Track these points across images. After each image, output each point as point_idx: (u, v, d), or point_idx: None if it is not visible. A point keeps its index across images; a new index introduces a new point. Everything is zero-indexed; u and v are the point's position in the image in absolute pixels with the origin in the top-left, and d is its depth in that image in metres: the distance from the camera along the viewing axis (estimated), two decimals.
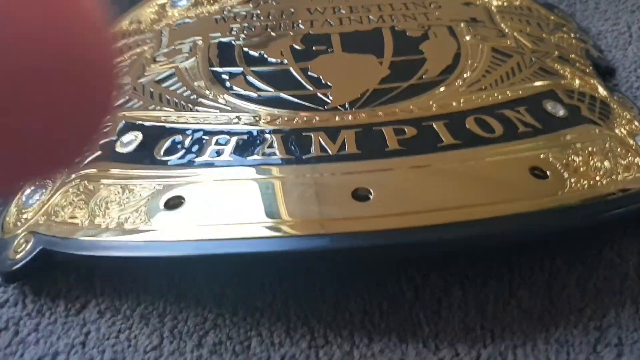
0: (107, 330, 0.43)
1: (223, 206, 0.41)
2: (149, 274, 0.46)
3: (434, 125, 0.45)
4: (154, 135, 0.47)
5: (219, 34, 0.55)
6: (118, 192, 0.44)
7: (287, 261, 0.41)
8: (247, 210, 0.41)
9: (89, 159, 0.48)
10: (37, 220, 0.45)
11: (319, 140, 0.44)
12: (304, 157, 0.43)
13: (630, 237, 0.47)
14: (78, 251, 0.42)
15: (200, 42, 0.55)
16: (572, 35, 0.62)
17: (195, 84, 0.50)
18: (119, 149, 0.47)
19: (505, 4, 0.61)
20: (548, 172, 0.43)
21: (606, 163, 0.45)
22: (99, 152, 0.48)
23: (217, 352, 0.41)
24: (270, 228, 0.39)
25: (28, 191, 0.48)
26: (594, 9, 0.72)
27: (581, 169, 0.44)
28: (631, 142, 0.49)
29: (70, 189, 0.46)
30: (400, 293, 0.44)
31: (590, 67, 0.58)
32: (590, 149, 0.46)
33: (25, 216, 0.46)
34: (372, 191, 0.40)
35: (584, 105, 0.51)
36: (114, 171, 0.45)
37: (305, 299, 0.44)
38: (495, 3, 0.61)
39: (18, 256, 0.44)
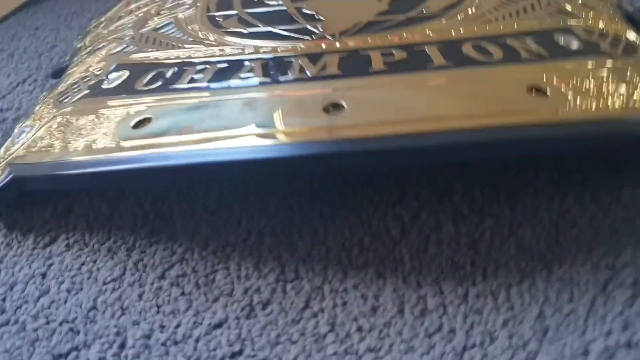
0: (71, 262, 0.41)
1: (189, 122, 0.39)
2: (125, 206, 0.44)
3: (426, 49, 0.41)
4: (139, 71, 0.46)
5: None
6: (92, 120, 0.42)
7: (250, 171, 0.38)
8: (214, 125, 0.38)
9: (76, 98, 0.47)
10: (18, 153, 0.44)
11: (299, 64, 0.41)
12: (281, 78, 0.40)
13: None
14: (44, 172, 0.40)
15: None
16: None
17: (189, 27, 0.49)
18: (105, 85, 0.46)
19: None
20: (549, 91, 0.38)
21: (623, 89, 0.40)
22: (87, 91, 0.47)
23: (178, 285, 0.38)
24: (231, 138, 0.36)
25: (17, 133, 0.48)
26: None
27: (590, 91, 0.39)
28: None
29: (53, 124, 0.45)
30: (385, 230, 0.40)
31: (620, 16, 0.52)
32: (604, 75, 0.41)
33: (9, 152, 0.46)
34: (345, 104, 0.36)
35: (604, 42, 0.45)
36: (94, 103, 0.44)
37: (281, 235, 0.41)
38: None
39: None
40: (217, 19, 0.49)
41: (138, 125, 0.40)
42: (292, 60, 0.41)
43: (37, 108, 0.51)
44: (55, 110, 0.47)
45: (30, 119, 0.49)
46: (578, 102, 0.38)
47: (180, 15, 0.52)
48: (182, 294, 0.38)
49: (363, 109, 0.36)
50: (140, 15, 0.55)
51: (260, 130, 0.36)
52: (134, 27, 0.53)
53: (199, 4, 0.52)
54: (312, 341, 0.34)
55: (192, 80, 0.42)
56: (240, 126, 0.37)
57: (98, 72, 0.49)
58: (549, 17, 0.48)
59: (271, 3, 0.50)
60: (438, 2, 0.47)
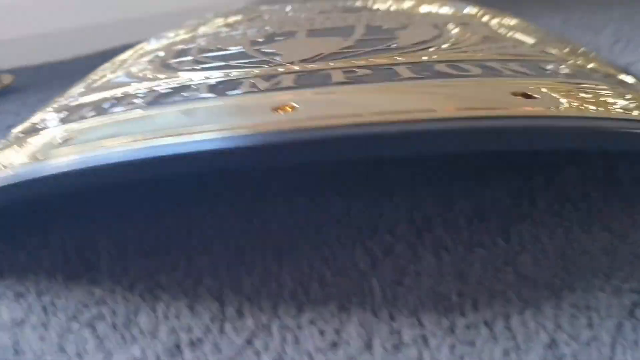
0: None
1: (119, 133, 0.33)
2: (47, 251, 0.37)
3: (394, 68, 0.36)
4: (76, 110, 0.41)
5: (182, 46, 0.51)
6: (12, 151, 0.37)
7: (177, 169, 0.31)
8: (143, 130, 0.32)
9: (4, 141, 0.42)
10: None
11: (250, 82, 0.36)
12: (228, 93, 0.35)
13: None
14: None
15: (161, 54, 0.50)
16: (588, 53, 0.54)
17: (140, 74, 0.45)
18: (40, 125, 0.41)
19: (506, 23, 0.55)
20: (537, 95, 0.32)
21: (623, 102, 0.35)
22: (21, 135, 0.42)
23: (91, 326, 0.31)
24: (175, 136, 0.30)
25: None
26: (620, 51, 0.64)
27: (587, 99, 0.34)
28: None
29: None
30: (352, 265, 0.33)
31: (609, 65, 0.49)
32: (601, 92, 0.36)
33: None
34: (297, 105, 0.31)
35: (597, 75, 0.41)
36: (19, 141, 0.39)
37: (225, 275, 0.33)
38: (495, 21, 0.54)
39: None
40: (171, 65, 0.45)
41: (61, 144, 0.34)
42: (243, 80, 0.37)
43: None
44: None
45: None
46: (573, 104, 0.32)
47: (133, 69, 0.48)
48: (94, 335, 0.30)
49: (316, 108, 0.31)
50: (95, 77, 0.52)
51: (197, 130, 0.30)
52: (87, 85, 0.49)
53: (155, 61, 0.49)
54: None
55: (130, 104, 0.37)
56: (175, 131, 0.31)
57: (37, 121, 0.44)
58: (533, 53, 0.44)
59: (229, 49, 0.46)
60: (408, 39, 0.43)
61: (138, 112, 0.35)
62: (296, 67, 0.38)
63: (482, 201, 0.36)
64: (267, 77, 0.37)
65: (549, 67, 0.40)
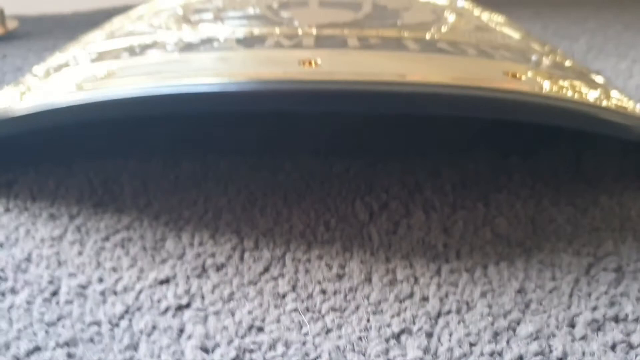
0: (7, 222, 0.37)
1: (158, 69, 0.37)
2: (72, 181, 0.40)
3: (402, 41, 0.41)
4: (108, 55, 0.44)
5: (199, 5, 0.54)
6: (54, 80, 0.40)
7: (219, 106, 0.35)
8: (185, 72, 0.36)
9: (40, 75, 0.45)
10: None
11: (275, 39, 0.40)
12: (255, 46, 0.39)
13: (630, 192, 0.40)
14: None
15: (180, 11, 0.54)
16: (567, 56, 0.60)
17: (163, 25, 0.48)
18: (72, 63, 0.44)
19: (495, 18, 0.60)
20: (524, 77, 0.38)
21: (595, 93, 0.40)
22: (53, 71, 0.45)
23: (123, 247, 0.35)
24: (191, 79, 0.35)
25: None
26: (595, 57, 0.70)
27: (565, 87, 0.39)
28: (624, 98, 0.44)
29: (15, 90, 0.42)
30: (353, 215, 0.37)
31: (585, 69, 0.54)
32: (578, 83, 0.41)
33: None
34: (319, 61, 0.36)
35: (573, 72, 0.47)
36: (57, 75, 0.42)
37: (241, 214, 0.38)
38: (485, 16, 0.59)
39: None
40: (191, 20, 0.48)
41: (109, 76, 0.38)
42: (268, 37, 0.41)
43: None
44: (15, 87, 0.45)
45: None
46: (555, 88, 0.37)
47: (155, 22, 0.51)
48: (127, 254, 0.34)
49: (338, 65, 0.36)
50: (114, 27, 0.55)
51: (236, 73, 0.35)
52: (108, 34, 0.52)
53: (174, 17, 0.52)
54: (270, 299, 0.31)
55: (162, 49, 0.41)
56: (213, 70, 0.35)
57: (65, 61, 0.47)
58: (519, 46, 0.49)
59: (248, 10, 0.50)
60: (411, 19, 0.48)
61: (174, 56, 0.39)
62: (314, 31, 0.42)
63: (467, 172, 0.41)
64: (290, 37, 0.41)
65: (533, 57, 0.45)
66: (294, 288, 0.31)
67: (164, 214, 0.37)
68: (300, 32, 0.42)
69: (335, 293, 0.31)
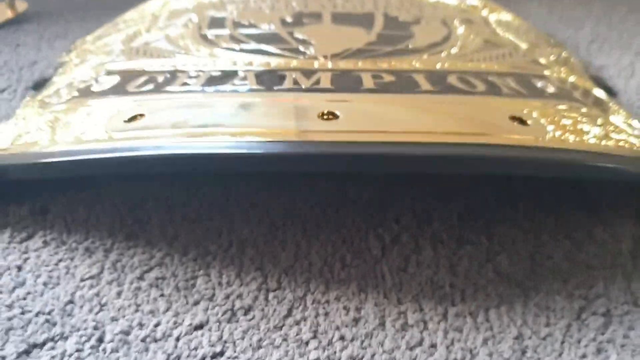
0: (48, 258, 0.40)
1: (182, 119, 0.39)
2: (102, 209, 0.43)
3: (414, 76, 0.43)
4: (130, 77, 0.46)
5: (213, 11, 0.55)
6: (82, 116, 0.42)
7: (238, 166, 0.38)
8: (207, 122, 0.39)
9: (64, 100, 0.47)
10: (2, 146, 0.43)
11: (293, 77, 0.42)
12: (275, 87, 0.41)
13: (624, 220, 0.43)
14: (28, 161, 0.39)
15: (194, 18, 0.55)
16: (572, 55, 0.61)
17: (181, 42, 0.50)
18: (95, 88, 0.46)
19: (500, 18, 0.61)
20: (529, 122, 0.40)
21: (596, 130, 0.42)
22: (76, 94, 0.47)
23: (158, 286, 0.38)
24: (224, 135, 0.37)
25: (1, 128, 0.47)
26: (598, 49, 0.72)
27: (568, 127, 0.41)
28: (627, 128, 0.46)
29: (40, 121, 0.45)
30: (367, 249, 0.41)
31: (589, 78, 0.56)
32: (579, 117, 0.43)
33: None
34: (339, 114, 0.38)
35: (576, 92, 0.49)
36: (86, 103, 0.44)
37: (264, 247, 0.41)
38: (493, 18, 0.60)
39: None
40: (208, 37, 0.50)
41: (131, 120, 0.40)
42: (286, 73, 0.43)
43: (18, 111, 0.51)
44: (41, 110, 0.47)
45: (13, 119, 0.49)
46: (557, 134, 0.40)
47: (171, 33, 0.53)
48: (162, 295, 0.37)
49: (356, 119, 0.38)
50: (130, 32, 0.56)
51: (254, 129, 0.37)
52: (124, 41, 0.54)
53: (190, 25, 0.53)
54: (295, 346, 0.34)
55: (185, 84, 0.43)
56: (234, 125, 0.38)
57: (86, 79, 0.49)
58: (526, 64, 0.51)
59: (262, 26, 0.51)
60: (423, 39, 0.50)
61: (198, 98, 0.41)
62: (330, 64, 0.44)
63: (472, 202, 0.44)
64: (307, 73, 0.43)
65: (539, 84, 0.47)
66: (315, 334, 0.35)
67: (191, 248, 0.40)
68: (316, 65, 0.44)
69: (352, 340, 0.35)
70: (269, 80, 0.42)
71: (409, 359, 0.34)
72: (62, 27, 0.76)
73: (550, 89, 0.47)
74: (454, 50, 0.49)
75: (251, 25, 0.51)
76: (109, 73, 0.48)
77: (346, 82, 0.42)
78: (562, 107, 0.44)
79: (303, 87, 0.41)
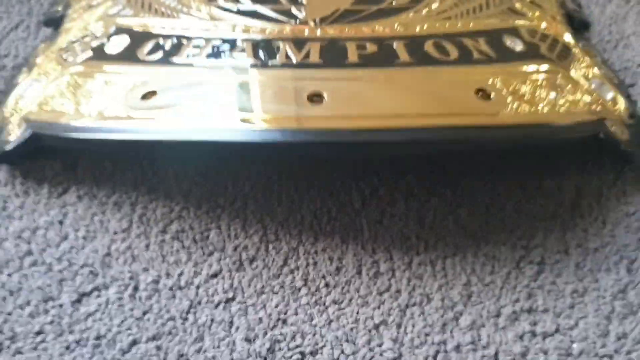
0: (84, 213, 0.48)
1: (189, 99, 0.46)
2: (125, 164, 0.51)
3: (394, 45, 0.49)
4: (139, 39, 0.52)
5: None
6: (101, 85, 0.48)
7: (239, 150, 0.46)
8: (211, 104, 0.45)
9: (80, 59, 0.52)
10: (31, 109, 0.50)
11: (286, 49, 0.48)
12: (270, 62, 0.47)
13: (570, 171, 0.51)
14: (63, 133, 0.46)
15: None
16: None
17: None
18: (108, 49, 0.52)
19: None
20: (492, 94, 0.46)
21: (552, 94, 0.49)
22: (90, 53, 0.52)
23: (178, 239, 0.46)
24: (226, 120, 0.44)
25: (25, 85, 0.53)
26: None
27: (525, 96, 0.47)
28: (583, 82, 0.52)
29: (62, 84, 0.50)
30: (349, 203, 0.49)
31: (562, 16, 0.60)
32: (539, 80, 0.49)
33: (20, 106, 0.51)
34: (325, 95, 0.44)
35: (544, 45, 0.54)
36: (101, 67, 0.50)
37: (263, 202, 0.49)
38: None
39: (11, 139, 0.49)
40: None
41: (145, 97, 0.46)
42: (280, 44, 0.48)
43: (38, 60, 0.56)
44: (60, 67, 0.53)
45: (35, 72, 0.54)
46: (514, 106, 0.46)
47: None
48: (183, 247, 0.46)
49: (339, 102, 0.44)
50: None
51: (251, 115, 0.44)
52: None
53: None
54: (290, 293, 0.44)
55: (189, 56, 0.49)
56: (235, 108, 0.44)
57: (98, 34, 0.54)
58: (500, 15, 0.55)
59: None
60: None
61: (204, 75, 0.47)
62: (319, 32, 0.50)
63: (442, 155, 0.51)
64: (298, 43, 0.49)
65: (509, 42, 0.52)
66: (305, 282, 0.44)
67: (203, 202, 0.49)
68: (306, 32, 0.49)
69: (335, 286, 0.44)
70: (264, 52, 0.48)
71: (379, 303, 0.43)
72: None
73: (519, 47, 0.52)
74: (434, 5, 0.54)
75: None
76: (119, 31, 0.53)
77: (333, 55, 0.48)
78: (525, 68, 0.50)
79: (294, 62, 0.47)
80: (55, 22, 0.62)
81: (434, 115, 0.45)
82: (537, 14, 0.58)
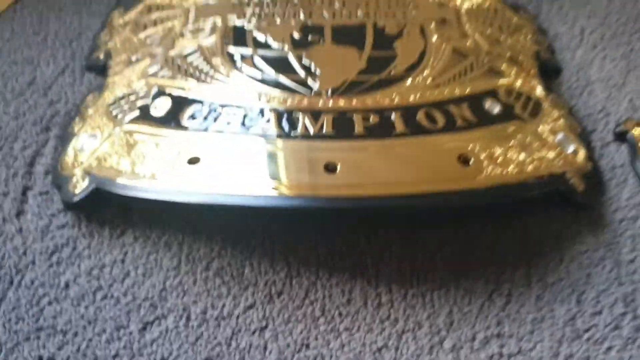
0: (140, 252, 0.59)
1: (229, 166, 0.56)
2: (173, 212, 0.61)
3: (392, 116, 0.59)
4: (180, 104, 0.62)
5: (234, 16, 0.68)
6: (152, 148, 0.59)
7: (267, 213, 0.57)
8: (245, 171, 0.56)
9: (129, 117, 0.62)
10: (91, 163, 0.60)
11: (304, 121, 0.58)
12: (292, 134, 0.58)
13: (539, 213, 0.62)
14: (122, 191, 0.57)
15: (219, 23, 0.68)
16: (529, 37, 0.75)
17: (213, 61, 0.64)
18: (153, 111, 0.62)
19: (474, 6, 0.74)
20: (471, 161, 0.57)
21: (521, 155, 0.60)
22: (137, 113, 0.62)
23: (219, 275, 0.58)
24: (259, 186, 0.55)
25: (82, 138, 0.63)
26: (558, 11, 0.85)
27: (498, 160, 0.59)
28: (550, 138, 0.63)
29: (116, 141, 0.61)
30: (356, 245, 0.60)
31: (536, 69, 0.71)
32: (510, 142, 0.60)
33: (80, 159, 0.61)
34: (338, 166, 0.55)
35: (518, 104, 0.65)
36: (150, 129, 0.60)
37: (287, 243, 0.60)
38: (465, 5, 0.73)
39: (77, 191, 0.59)
40: (234, 57, 0.64)
41: (191, 162, 0.57)
42: (299, 115, 0.59)
43: (89, 111, 0.66)
44: (112, 124, 0.63)
45: (88, 125, 0.64)
46: (489, 170, 0.58)
47: (202, 44, 0.66)
48: (223, 282, 0.57)
49: (349, 172, 0.55)
50: (165, 31, 0.69)
51: (276, 182, 0.55)
52: (163, 45, 0.68)
53: (216, 33, 0.67)
54: (310, 321, 0.55)
55: (225, 124, 0.59)
56: (263, 175, 0.55)
57: (142, 94, 0.64)
58: (482, 77, 0.66)
59: (276, 45, 0.65)
60: (403, 61, 0.65)
61: (240, 141, 0.58)
62: (330, 103, 0.60)
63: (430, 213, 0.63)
64: (315, 115, 0.59)
65: (488, 104, 0.64)
66: (323, 311, 0.56)
67: (238, 242, 0.60)
68: (320, 104, 0.60)
69: (347, 315, 0.56)
70: (287, 123, 0.58)
71: (381, 329, 0.55)
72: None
73: (496, 109, 0.63)
74: (426, 73, 0.64)
75: (267, 46, 0.65)
76: (160, 93, 0.63)
77: (343, 126, 0.58)
78: (500, 132, 0.61)
79: (311, 133, 0.58)
80: (97, 68, 0.72)
81: (424, 182, 0.56)
82: (514, 70, 0.69)
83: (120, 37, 0.73)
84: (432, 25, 0.69)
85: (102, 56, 0.73)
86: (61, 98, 0.71)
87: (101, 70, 0.72)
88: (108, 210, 0.61)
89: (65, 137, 0.65)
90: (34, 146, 0.67)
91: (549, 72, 0.75)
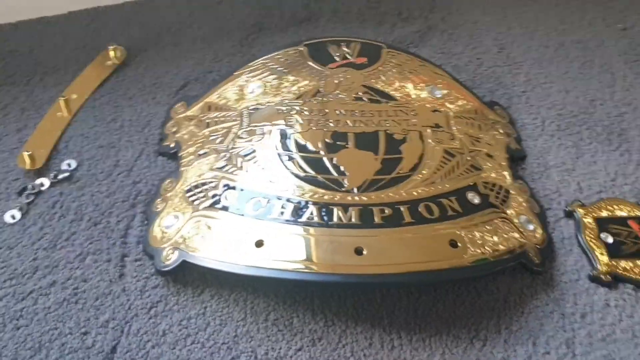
0: (216, 307, 0.80)
1: (286, 248, 0.78)
2: (239, 277, 0.83)
3: (401, 208, 0.81)
4: (244, 196, 0.83)
5: (282, 122, 0.90)
6: (226, 232, 0.80)
7: (311, 286, 0.79)
8: (295, 252, 0.77)
9: (205, 205, 0.83)
10: (177, 240, 0.81)
11: (338, 213, 0.80)
12: (329, 223, 0.79)
13: (506, 278, 0.85)
14: (203, 264, 0.78)
15: (269, 128, 0.89)
16: (501, 131, 0.98)
17: (267, 161, 0.86)
18: (223, 201, 0.83)
19: (459, 108, 0.96)
20: (459, 244, 0.80)
21: (495, 238, 0.82)
22: (212, 201, 0.84)
23: (275, 324, 0.79)
24: (306, 264, 0.76)
25: (167, 218, 0.84)
26: (525, 102, 1.08)
27: (478, 242, 0.81)
28: (515, 220, 0.86)
29: (195, 223, 0.82)
30: (375, 301, 0.82)
31: (506, 160, 0.94)
32: (486, 227, 0.83)
33: (167, 235, 0.82)
34: (364, 250, 0.77)
35: (492, 194, 0.87)
36: (221, 215, 0.81)
37: (324, 298, 0.82)
38: (453, 109, 0.96)
39: (168, 262, 0.80)
40: (283, 160, 0.86)
41: (257, 245, 0.78)
42: (334, 208, 0.80)
43: (169, 195, 0.87)
44: (190, 208, 0.84)
45: (170, 207, 0.85)
46: (471, 251, 0.80)
47: (256, 146, 0.88)
48: (278, 330, 0.79)
49: (371, 255, 0.77)
50: (225, 131, 0.90)
51: (316, 263, 0.76)
52: (226, 144, 0.89)
53: (268, 137, 0.88)
54: None
55: (280, 213, 0.80)
56: (309, 256, 0.77)
57: (213, 185, 0.85)
58: (466, 173, 0.89)
59: (312, 149, 0.87)
60: (408, 163, 0.86)
61: (292, 229, 0.79)
62: (357, 198, 0.82)
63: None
64: (345, 207, 0.81)
65: (470, 195, 0.86)
66: (352, 353, 0.78)
67: (288, 297, 0.81)
68: (349, 198, 0.81)
69: (369, 356, 0.78)
70: (326, 214, 0.80)
71: None
72: (155, 73, 1.06)
73: (476, 200, 0.86)
74: (424, 172, 0.86)
75: (306, 149, 0.86)
76: (228, 187, 0.84)
77: (366, 217, 0.80)
78: (479, 219, 0.83)
79: (344, 221, 0.80)
80: (168, 154, 0.92)
81: (425, 262, 0.78)
82: (489, 165, 0.91)
83: (187, 130, 0.93)
84: (428, 130, 0.91)
85: (172, 145, 0.93)
86: (142, 179, 0.92)
87: (171, 156, 0.92)
88: (190, 273, 0.82)
89: (149, 214, 0.86)
90: (125, 220, 0.87)
91: (516, 159, 0.97)
